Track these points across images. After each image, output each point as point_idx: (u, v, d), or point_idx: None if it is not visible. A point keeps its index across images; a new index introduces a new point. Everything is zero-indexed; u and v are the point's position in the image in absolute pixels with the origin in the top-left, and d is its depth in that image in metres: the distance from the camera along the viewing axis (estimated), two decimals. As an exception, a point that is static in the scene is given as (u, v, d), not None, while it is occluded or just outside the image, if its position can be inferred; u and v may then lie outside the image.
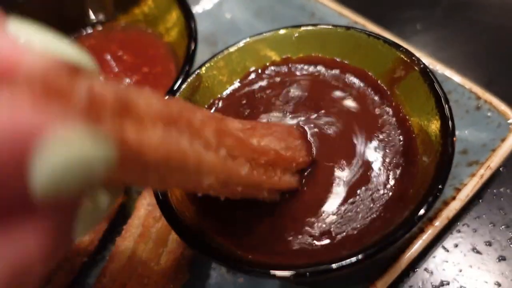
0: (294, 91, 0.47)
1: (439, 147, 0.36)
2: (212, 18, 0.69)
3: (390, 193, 0.39)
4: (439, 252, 0.47)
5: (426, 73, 0.40)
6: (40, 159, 0.20)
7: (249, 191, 0.35)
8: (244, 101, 0.48)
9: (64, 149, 0.21)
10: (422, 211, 0.34)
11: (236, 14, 0.69)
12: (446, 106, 0.37)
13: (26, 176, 0.20)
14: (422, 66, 0.41)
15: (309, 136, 0.44)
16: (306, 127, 0.44)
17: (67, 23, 0.60)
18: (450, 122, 0.37)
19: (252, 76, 0.50)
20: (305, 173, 0.42)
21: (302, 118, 0.46)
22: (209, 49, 0.66)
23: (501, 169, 0.51)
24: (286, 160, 0.37)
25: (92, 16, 0.61)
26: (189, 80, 0.47)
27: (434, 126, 0.38)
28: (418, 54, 0.55)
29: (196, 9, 0.69)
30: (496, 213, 0.49)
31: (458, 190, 0.46)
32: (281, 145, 0.37)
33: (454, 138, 0.36)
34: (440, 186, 0.35)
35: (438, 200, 0.45)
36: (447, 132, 0.36)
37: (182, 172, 0.28)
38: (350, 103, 0.46)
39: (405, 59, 0.42)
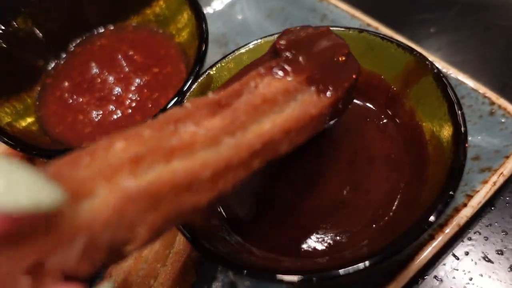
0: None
1: (451, 153, 0.35)
2: (224, 19, 0.69)
3: (401, 198, 0.38)
4: (449, 260, 0.46)
5: (439, 78, 0.39)
6: None
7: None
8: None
9: None
10: (432, 218, 0.34)
11: (248, 15, 0.69)
12: (459, 112, 0.37)
13: None
14: (435, 71, 0.40)
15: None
16: None
17: (79, 22, 0.60)
18: (462, 128, 0.36)
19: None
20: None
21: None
22: (220, 50, 0.66)
23: (514, 176, 0.51)
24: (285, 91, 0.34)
25: (103, 14, 0.61)
26: (199, 80, 0.47)
27: (446, 132, 0.38)
28: (431, 57, 0.54)
29: (208, 10, 0.69)
30: (508, 221, 0.48)
31: (470, 197, 0.45)
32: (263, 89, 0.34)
33: (466, 145, 0.36)
34: (451, 193, 0.34)
35: (449, 206, 0.44)
36: (460, 139, 0.35)
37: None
38: (362, 106, 0.46)
39: (419, 63, 0.42)
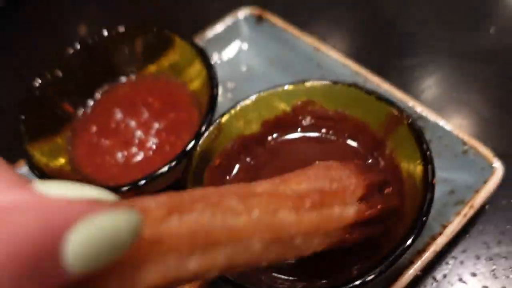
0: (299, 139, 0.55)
1: (421, 192, 0.43)
2: (231, 66, 0.77)
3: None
4: (429, 282, 0.53)
5: (413, 128, 0.47)
6: (70, 240, 0.23)
7: (315, 240, 0.34)
8: (255, 146, 0.56)
9: (90, 226, 0.23)
10: (408, 242, 0.41)
11: (253, 62, 0.77)
12: (429, 159, 0.45)
13: (61, 251, 0.22)
14: (410, 121, 0.48)
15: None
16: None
17: (104, 73, 0.68)
18: (430, 174, 0.44)
19: (265, 125, 0.57)
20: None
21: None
22: (228, 93, 0.74)
23: (486, 207, 0.58)
24: (335, 193, 0.36)
25: (126, 65, 0.70)
26: (211, 128, 0.55)
27: (419, 172, 0.45)
28: (413, 101, 0.62)
29: (217, 58, 0.77)
30: (480, 247, 0.55)
31: (444, 227, 0.52)
32: (322, 182, 0.36)
33: (434, 181, 0.44)
34: (424, 218, 0.42)
35: (426, 235, 0.52)
36: (427, 181, 0.43)
37: (219, 247, 0.28)
38: (350, 148, 0.54)
39: (396, 114, 0.50)
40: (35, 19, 1.01)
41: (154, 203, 0.27)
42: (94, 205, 0.24)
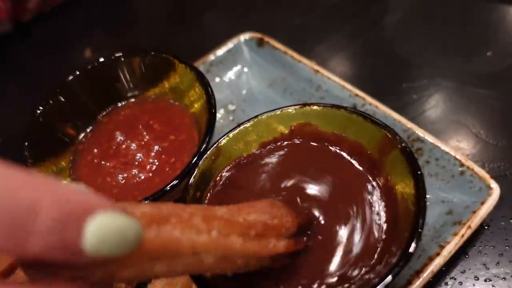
0: (295, 160, 0.56)
1: (413, 215, 0.43)
2: (231, 88, 0.78)
3: (375, 255, 0.46)
4: (428, 302, 0.53)
5: (405, 151, 0.48)
6: (92, 223, 0.28)
7: (251, 262, 0.41)
8: (253, 166, 0.57)
9: (108, 220, 0.28)
10: (388, 278, 0.41)
11: (253, 85, 0.78)
12: (420, 182, 0.45)
13: (81, 234, 0.27)
14: (403, 145, 0.49)
15: (299, 201, 0.51)
16: (299, 195, 0.52)
17: (107, 96, 0.70)
18: (421, 197, 0.44)
19: (263, 148, 0.58)
20: (308, 233, 0.49)
21: (301, 184, 0.54)
22: (228, 115, 0.75)
23: (485, 228, 0.58)
24: (274, 227, 0.42)
25: (127, 89, 0.71)
26: (210, 150, 0.56)
27: (411, 196, 0.46)
28: (410, 124, 0.63)
29: (217, 80, 0.79)
30: (480, 268, 0.55)
31: (442, 247, 0.52)
32: (266, 216, 0.43)
33: (426, 203, 0.44)
34: (410, 251, 0.42)
35: (424, 256, 0.52)
36: (419, 205, 0.43)
37: (182, 257, 0.34)
38: (345, 171, 0.54)
39: (390, 137, 0.50)
40: (41, 45, 1.04)
41: (140, 212, 0.32)
42: (110, 204, 0.29)
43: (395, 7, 0.90)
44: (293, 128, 0.58)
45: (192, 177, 0.54)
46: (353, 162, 0.55)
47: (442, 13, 0.88)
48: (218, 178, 0.56)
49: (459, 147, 0.66)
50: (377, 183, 0.53)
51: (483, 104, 0.71)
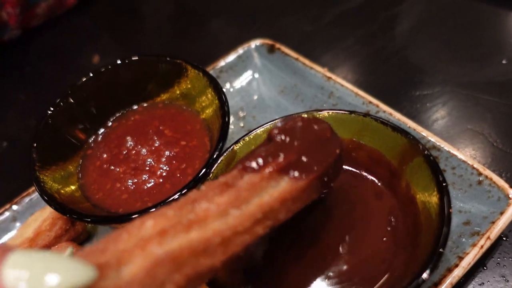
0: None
1: (437, 225, 0.42)
2: (242, 95, 0.77)
3: (396, 263, 0.45)
4: (446, 315, 0.52)
5: (429, 159, 0.47)
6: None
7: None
8: None
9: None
10: (425, 275, 0.40)
11: (263, 91, 0.77)
12: (445, 191, 0.44)
13: None
14: (426, 152, 0.47)
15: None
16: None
17: (116, 100, 0.69)
18: (446, 200, 0.43)
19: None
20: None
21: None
22: (239, 122, 0.74)
23: (504, 239, 0.57)
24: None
25: (138, 94, 0.70)
26: (225, 154, 0.55)
27: (435, 204, 0.44)
28: (426, 131, 0.62)
29: (228, 87, 0.78)
30: (499, 280, 0.54)
31: (461, 258, 0.51)
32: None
33: (451, 211, 0.43)
34: (440, 250, 0.41)
35: (442, 267, 0.50)
36: (443, 213, 0.42)
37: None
38: (367, 178, 0.53)
39: (412, 145, 0.49)
40: (49, 50, 1.03)
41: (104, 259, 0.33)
42: None
43: (406, 14, 0.90)
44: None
45: (207, 181, 0.53)
46: (371, 173, 0.55)
47: (454, 20, 0.87)
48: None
49: (476, 155, 0.65)
50: (396, 192, 0.52)
51: (498, 113, 0.70)
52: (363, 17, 0.92)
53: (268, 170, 0.42)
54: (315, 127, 0.46)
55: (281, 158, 0.43)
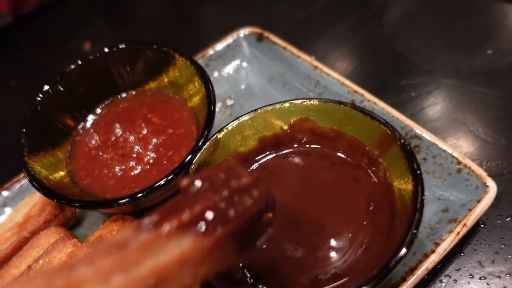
0: (295, 160, 0.56)
1: (411, 210, 0.43)
2: (230, 83, 0.78)
3: (374, 245, 0.47)
4: (422, 300, 0.53)
5: (405, 148, 0.48)
6: None
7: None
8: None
9: None
10: (402, 251, 0.41)
11: (251, 79, 0.78)
12: (419, 179, 0.45)
13: None
14: (402, 141, 0.49)
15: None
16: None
17: (105, 88, 0.70)
18: (419, 194, 0.45)
19: (262, 142, 0.59)
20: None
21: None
22: (227, 110, 0.75)
23: (481, 226, 0.58)
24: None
25: (126, 81, 0.71)
26: (209, 142, 0.56)
27: (409, 193, 0.46)
28: (409, 121, 0.63)
29: (216, 75, 0.79)
30: (475, 266, 0.55)
31: (437, 244, 0.52)
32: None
33: (424, 197, 0.44)
34: (414, 231, 0.42)
35: (419, 252, 0.52)
36: (417, 200, 0.44)
37: None
38: (347, 166, 0.54)
39: (389, 134, 0.50)
40: (40, 36, 1.03)
41: None
42: None
43: (395, 2, 0.90)
44: (292, 123, 0.58)
45: (190, 168, 0.54)
46: (352, 161, 0.56)
47: (443, 9, 0.87)
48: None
49: (457, 145, 0.66)
50: (376, 179, 0.53)
51: (482, 102, 0.71)
52: (354, 5, 0.93)
53: (167, 227, 0.36)
54: (237, 176, 0.40)
55: (185, 212, 0.36)
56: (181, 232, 0.36)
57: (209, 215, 0.36)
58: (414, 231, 0.43)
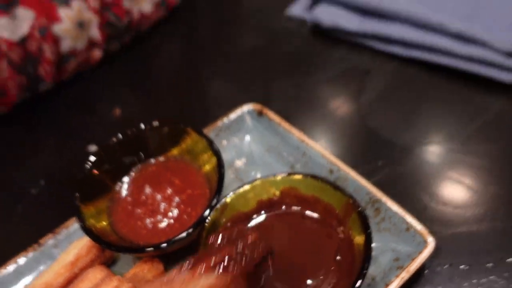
0: (283, 219, 0.75)
1: (363, 259, 0.62)
2: (236, 150, 0.97)
3: (334, 286, 0.65)
4: None
5: (360, 215, 0.68)
6: None
7: None
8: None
9: None
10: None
11: (253, 148, 0.97)
12: (369, 238, 0.64)
13: None
14: (359, 209, 0.68)
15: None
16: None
17: (139, 155, 0.89)
18: (368, 249, 0.64)
19: (259, 205, 0.78)
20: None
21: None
22: (232, 173, 0.94)
23: (425, 272, 0.76)
24: None
25: (154, 150, 0.90)
26: (219, 204, 0.75)
27: (362, 247, 0.65)
28: (373, 188, 0.82)
29: (225, 143, 0.98)
30: (417, 304, 0.74)
31: (387, 285, 0.70)
32: None
33: (371, 250, 0.63)
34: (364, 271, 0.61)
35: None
36: (367, 251, 0.62)
37: None
38: (322, 225, 0.73)
39: (351, 203, 0.69)
40: (76, 101, 1.22)
41: None
42: None
43: (371, 88, 1.11)
44: (282, 190, 0.77)
45: (206, 223, 0.72)
46: (326, 221, 0.75)
47: (411, 92, 1.08)
48: (225, 226, 0.75)
49: (410, 207, 0.85)
50: (343, 236, 0.72)
51: (432, 174, 0.91)
52: (338, 87, 1.13)
53: (200, 268, 0.56)
54: (246, 236, 0.63)
55: (212, 259, 0.57)
56: (209, 271, 0.55)
57: (227, 260, 0.57)
58: (364, 271, 0.62)
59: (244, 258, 0.59)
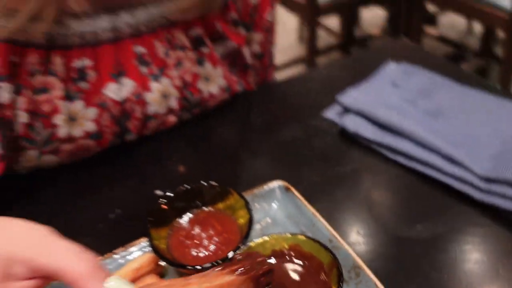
0: (286, 266, 1.07)
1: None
2: (264, 212, 1.28)
3: None
4: None
5: (338, 270, 0.98)
6: None
7: None
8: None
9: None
10: None
11: (277, 213, 1.29)
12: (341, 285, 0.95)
13: None
14: (338, 266, 0.99)
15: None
16: None
17: (194, 204, 1.23)
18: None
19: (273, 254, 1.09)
20: None
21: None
22: (259, 227, 1.26)
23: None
24: None
25: (205, 202, 1.25)
26: (244, 247, 1.07)
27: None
28: (357, 257, 1.12)
29: (257, 205, 1.30)
30: None
31: (347, 329, 0.99)
32: None
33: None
34: None
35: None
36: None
37: None
38: (313, 275, 1.04)
39: (334, 262, 1.00)
40: (147, 156, 1.58)
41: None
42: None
43: (377, 186, 1.43)
44: (289, 245, 1.09)
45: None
46: (318, 273, 1.05)
47: (405, 189, 1.39)
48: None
49: (384, 276, 1.13)
50: (328, 285, 1.03)
51: (408, 260, 1.20)
52: (351, 180, 1.46)
53: (225, 269, 0.78)
54: (257, 256, 0.90)
55: (234, 265, 0.78)
56: (231, 272, 0.75)
57: (244, 268, 0.78)
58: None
59: (253, 267, 0.86)
